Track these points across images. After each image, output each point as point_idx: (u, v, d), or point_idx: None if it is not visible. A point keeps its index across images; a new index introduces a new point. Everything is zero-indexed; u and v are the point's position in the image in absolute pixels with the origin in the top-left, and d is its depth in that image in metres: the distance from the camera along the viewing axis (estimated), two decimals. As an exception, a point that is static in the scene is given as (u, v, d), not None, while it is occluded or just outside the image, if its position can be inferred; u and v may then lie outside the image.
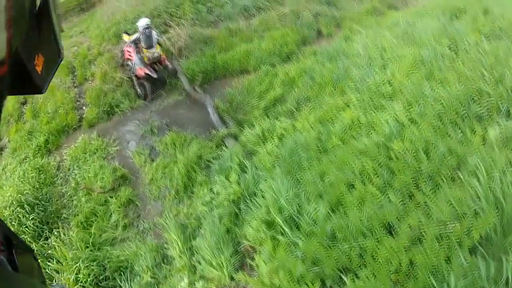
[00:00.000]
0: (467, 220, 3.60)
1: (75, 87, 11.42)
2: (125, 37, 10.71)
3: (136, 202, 7.51)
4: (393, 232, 4.08)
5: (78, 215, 7.35)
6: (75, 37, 14.21)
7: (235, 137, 7.89)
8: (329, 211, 4.57)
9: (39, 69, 0.69)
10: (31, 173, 8.49)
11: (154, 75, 9.87)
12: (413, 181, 4.59)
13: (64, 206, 7.88)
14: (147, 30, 9.80)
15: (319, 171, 5.34)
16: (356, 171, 5.00)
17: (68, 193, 8.08)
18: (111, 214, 7.27)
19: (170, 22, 12.47)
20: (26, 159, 9.28)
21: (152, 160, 8.18)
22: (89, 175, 8.03)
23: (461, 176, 4.38)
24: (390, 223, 4.12)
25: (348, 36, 11.61)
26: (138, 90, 10.37)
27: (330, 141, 6.00)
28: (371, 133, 5.84)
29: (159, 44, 10.20)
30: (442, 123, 5.44)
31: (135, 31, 10.31)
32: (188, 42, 11.84)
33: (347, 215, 4.36)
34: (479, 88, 5.90)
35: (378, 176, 4.82)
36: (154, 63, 10.22)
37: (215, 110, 8.73)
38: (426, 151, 4.97)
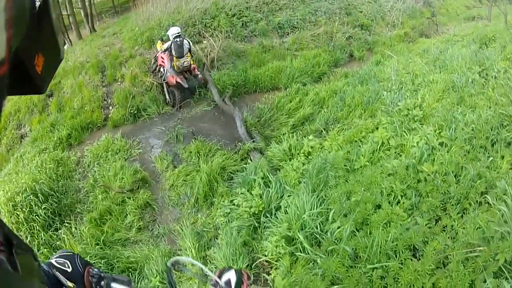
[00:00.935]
0: (494, 243, 3.69)
1: (103, 86, 11.82)
2: (159, 45, 11.11)
3: (154, 206, 7.66)
4: (417, 255, 4.14)
5: (92, 211, 7.51)
6: (108, 37, 14.81)
7: (261, 152, 8.09)
8: (354, 230, 4.66)
9: (39, 69, 0.70)
10: (49, 164, 8.74)
11: (185, 85, 10.18)
12: (441, 204, 4.66)
13: (79, 200, 8.09)
14: (178, 39, 10.17)
15: (346, 190, 5.43)
16: (384, 191, 5.09)
17: (85, 189, 8.30)
18: (127, 214, 7.39)
19: (204, 33, 12.94)
20: (45, 150, 9.61)
21: (175, 167, 8.37)
22: (109, 173, 8.23)
23: (489, 200, 4.45)
24: (415, 245, 4.17)
25: (380, 61, 12.24)
26: (167, 97, 10.77)
27: (358, 161, 6.15)
28: (400, 155, 5.98)
29: (190, 53, 10.52)
30: (472, 147, 5.56)
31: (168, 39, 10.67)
32: (220, 54, 12.27)
33: (371, 235, 4.44)
34: (508, 113, 6.04)
35: (406, 198, 4.91)
36: (185, 71, 10.56)
37: (243, 123, 8.95)
38: (455, 174, 5.07)
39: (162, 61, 10.62)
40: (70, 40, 17.63)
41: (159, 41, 11.30)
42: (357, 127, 7.54)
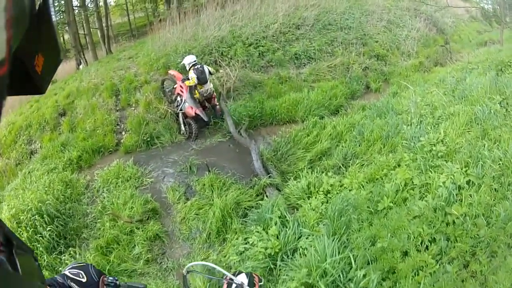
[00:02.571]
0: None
1: (117, 110, 11.83)
2: (172, 71, 11.21)
3: (163, 239, 7.50)
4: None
5: (99, 238, 7.40)
6: (123, 61, 14.89)
7: (278, 188, 7.99)
8: (380, 279, 4.54)
9: (39, 69, 0.71)
10: (58, 185, 8.63)
11: (205, 118, 10.25)
12: (470, 248, 4.54)
13: (86, 225, 7.97)
14: (199, 65, 10.22)
15: (370, 234, 5.33)
16: (411, 236, 4.97)
17: (93, 215, 8.19)
18: (135, 245, 7.23)
19: (221, 62, 12.97)
20: (55, 170, 9.56)
21: (187, 199, 8.26)
22: (118, 201, 8.14)
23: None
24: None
25: (396, 92, 12.24)
26: (183, 127, 10.70)
27: (382, 202, 6.05)
28: (425, 196, 5.85)
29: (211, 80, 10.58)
30: (501, 185, 5.45)
31: (180, 70, 10.85)
32: (237, 84, 12.30)
33: (399, 286, 4.32)
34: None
35: (434, 243, 4.79)
36: (205, 100, 10.57)
37: (259, 157, 8.88)
38: (485, 216, 4.95)
39: (181, 90, 10.57)
40: (86, 60, 17.66)
41: (171, 70, 11.44)
42: (377, 164, 7.50)
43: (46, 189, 8.47)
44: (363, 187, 6.84)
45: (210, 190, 8.20)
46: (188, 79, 10.18)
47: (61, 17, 17.57)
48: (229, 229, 7.12)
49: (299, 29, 15.36)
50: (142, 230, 7.49)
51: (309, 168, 8.45)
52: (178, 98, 10.74)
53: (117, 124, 11.37)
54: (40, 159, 10.39)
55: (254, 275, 1.88)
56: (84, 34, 18.85)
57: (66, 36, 18.97)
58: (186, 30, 14.61)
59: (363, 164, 8.04)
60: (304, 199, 7.12)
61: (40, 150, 11.05)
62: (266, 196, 7.77)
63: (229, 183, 8.36)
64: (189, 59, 10.49)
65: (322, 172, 7.83)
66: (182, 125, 10.72)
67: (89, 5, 19.65)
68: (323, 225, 5.96)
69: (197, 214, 7.72)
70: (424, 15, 19.95)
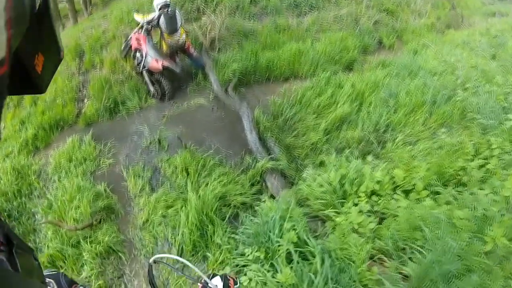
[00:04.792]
0: None
1: (80, 74, 8.42)
2: (137, 16, 7.57)
3: (120, 254, 4.41)
4: None
5: (42, 251, 4.60)
6: (96, 20, 11.25)
7: (283, 173, 4.59)
8: None
9: (39, 69, 0.62)
10: (9, 175, 6.05)
11: (177, 69, 6.91)
12: None
13: (34, 230, 5.15)
14: (169, 9, 6.85)
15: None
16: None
17: (39, 215, 5.28)
18: (83, 264, 4.30)
19: (205, 8, 9.34)
20: (10, 155, 6.80)
21: (152, 190, 5.05)
22: (64, 197, 5.05)
23: None
24: None
25: (416, 50, 9.14)
26: (151, 88, 7.22)
27: (489, 240, 2.72)
28: None
29: (184, 28, 7.27)
30: None
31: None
32: (223, 33, 8.70)
33: None
34: None
35: None
36: (175, 52, 7.27)
37: (254, 126, 5.43)
38: None
39: (138, 43, 7.17)
40: (63, 26, 14.48)
41: (134, 13, 7.85)
42: (444, 148, 4.37)
43: None
44: (435, 194, 3.54)
45: (183, 177, 4.95)
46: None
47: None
48: (210, 242, 3.93)
49: (298, -25, 11.58)
50: (92, 241, 4.47)
51: (325, 142, 5.18)
52: (138, 54, 7.28)
53: (79, 91, 7.99)
54: (1, 142, 7.45)
55: (229, 278, 1.52)
56: (65, 1, 15.61)
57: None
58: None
59: (410, 142, 4.90)
60: (335, 206, 3.66)
61: (3, 131, 8.02)
62: (266, 186, 4.41)
63: (211, 164, 5.04)
64: (158, 0, 6.94)
65: (362, 158, 4.52)
66: (150, 85, 7.20)
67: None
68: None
69: (164, 216, 4.53)
70: None
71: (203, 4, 9.51)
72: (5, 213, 5.41)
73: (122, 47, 7.96)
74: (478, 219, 2.87)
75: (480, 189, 3.31)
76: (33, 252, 0.72)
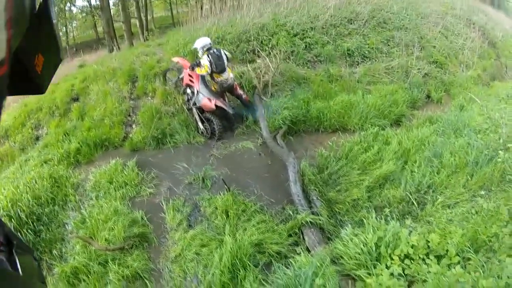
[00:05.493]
0: None
1: (131, 99, 9.01)
2: (176, 58, 8.25)
3: (146, 281, 4.65)
4: None
5: (67, 261, 4.98)
6: (152, 47, 12.01)
7: (322, 228, 4.78)
8: None
9: (39, 69, 0.65)
10: (45, 181, 6.51)
11: (230, 110, 7.36)
12: None
13: (62, 239, 5.55)
14: (215, 49, 7.39)
15: None
16: None
17: (70, 227, 5.75)
18: (107, 283, 4.60)
19: (260, 51, 9.79)
20: (50, 161, 7.38)
21: (189, 226, 5.33)
22: (99, 217, 5.43)
23: None
24: None
25: (463, 105, 9.31)
26: (201, 125, 7.64)
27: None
28: None
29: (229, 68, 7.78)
30: None
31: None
32: (277, 78, 9.07)
33: None
34: None
35: None
36: (224, 92, 7.73)
37: (299, 178, 5.64)
38: None
39: (190, 80, 7.61)
40: (118, 46, 15.64)
41: (176, 58, 8.44)
42: (480, 213, 4.46)
43: (28, 185, 6.43)
44: (466, 260, 3.65)
45: (223, 218, 5.18)
46: (198, 65, 7.30)
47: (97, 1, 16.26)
48: (239, 286, 4.10)
49: (351, 23, 11.98)
50: (120, 263, 4.78)
51: (367, 199, 5.32)
52: (188, 90, 7.76)
53: (129, 115, 8.54)
54: (41, 147, 8.16)
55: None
56: (122, 22, 16.80)
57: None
58: (223, 16, 11.61)
59: (449, 205, 4.93)
60: (367, 267, 3.81)
61: (45, 137, 8.72)
62: (303, 238, 4.59)
63: (252, 210, 5.26)
64: (202, 42, 7.53)
65: (398, 219, 4.59)
66: (199, 122, 7.61)
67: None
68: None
69: (197, 254, 4.76)
70: (476, 26, 16.94)
71: (258, 46, 9.97)
72: (35, 216, 5.76)
73: (174, 80, 8.44)
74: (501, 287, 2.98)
75: (509, 256, 3.39)
76: (33, 253, 0.76)
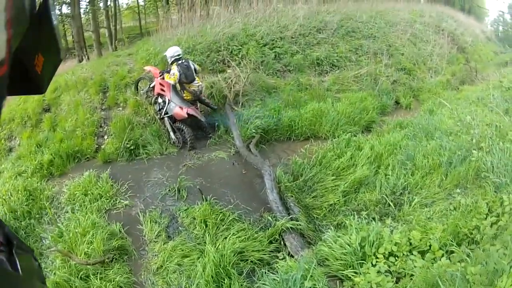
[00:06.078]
0: None
1: (102, 109, 8.98)
2: (148, 67, 8.51)
3: None
4: None
5: (49, 277, 4.77)
6: (122, 57, 11.99)
7: (302, 234, 4.92)
8: None
9: (39, 69, 0.65)
10: (20, 194, 6.58)
11: (202, 118, 7.54)
12: None
13: (41, 254, 5.40)
14: (183, 60, 7.60)
15: None
16: None
17: (47, 241, 5.61)
18: None
19: (230, 61, 9.96)
20: (23, 174, 7.40)
21: (169, 237, 5.34)
22: (77, 230, 5.32)
23: None
24: None
25: (432, 110, 9.66)
26: (172, 135, 7.75)
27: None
28: None
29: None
30: None
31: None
32: (247, 88, 9.28)
33: None
34: None
35: None
36: (195, 101, 7.88)
37: (275, 185, 5.77)
38: None
39: (161, 89, 7.73)
40: (88, 56, 15.71)
41: (147, 67, 8.71)
42: (459, 209, 4.69)
43: (4, 197, 6.60)
44: (449, 253, 3.83)
45: (202, 228, 5.23)
46: (168, 73, 7.51)
47: (68, 9, 16.05)
48: (226, 296, 4.17)
49: (320, 33, 12.39)
50: (102, 278, 4.68)
51: (343, 204, 5.52)
52: (160, 100, 7.89)
53: (100, 126, 8.53)
54: (15, 158, 8.12)
55: None
56: (91, 31, 16.62)
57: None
58: (193, 25, 11.76)
59: (426, 204, 5.17)
60: (353, 266, 3.97)
61: (18, 148, 8.66)
62: (285, 244, 4.73)
63: (231, 219, 5.31)
64: (172, 51, 7.72)
65: (380, 219, 4.83)
66: (171, 132, 7.73)
67: (99, 4, 17.96)
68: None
69: (179, 265, 4.78)
70: (446, 32, 17.94)
71: (228, 56, 10.14)
72: (12, 230, 5.59)
73: (145, 89, 8.53)
74: (490, 273, 3.19)
75: (492, 245, 3.60)
76: (33, 253, 0.76)
